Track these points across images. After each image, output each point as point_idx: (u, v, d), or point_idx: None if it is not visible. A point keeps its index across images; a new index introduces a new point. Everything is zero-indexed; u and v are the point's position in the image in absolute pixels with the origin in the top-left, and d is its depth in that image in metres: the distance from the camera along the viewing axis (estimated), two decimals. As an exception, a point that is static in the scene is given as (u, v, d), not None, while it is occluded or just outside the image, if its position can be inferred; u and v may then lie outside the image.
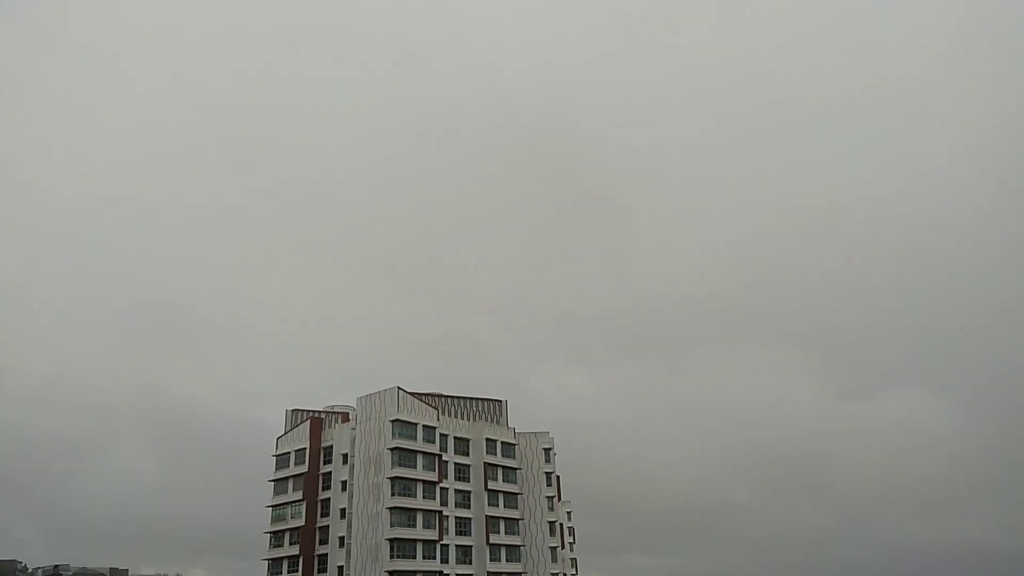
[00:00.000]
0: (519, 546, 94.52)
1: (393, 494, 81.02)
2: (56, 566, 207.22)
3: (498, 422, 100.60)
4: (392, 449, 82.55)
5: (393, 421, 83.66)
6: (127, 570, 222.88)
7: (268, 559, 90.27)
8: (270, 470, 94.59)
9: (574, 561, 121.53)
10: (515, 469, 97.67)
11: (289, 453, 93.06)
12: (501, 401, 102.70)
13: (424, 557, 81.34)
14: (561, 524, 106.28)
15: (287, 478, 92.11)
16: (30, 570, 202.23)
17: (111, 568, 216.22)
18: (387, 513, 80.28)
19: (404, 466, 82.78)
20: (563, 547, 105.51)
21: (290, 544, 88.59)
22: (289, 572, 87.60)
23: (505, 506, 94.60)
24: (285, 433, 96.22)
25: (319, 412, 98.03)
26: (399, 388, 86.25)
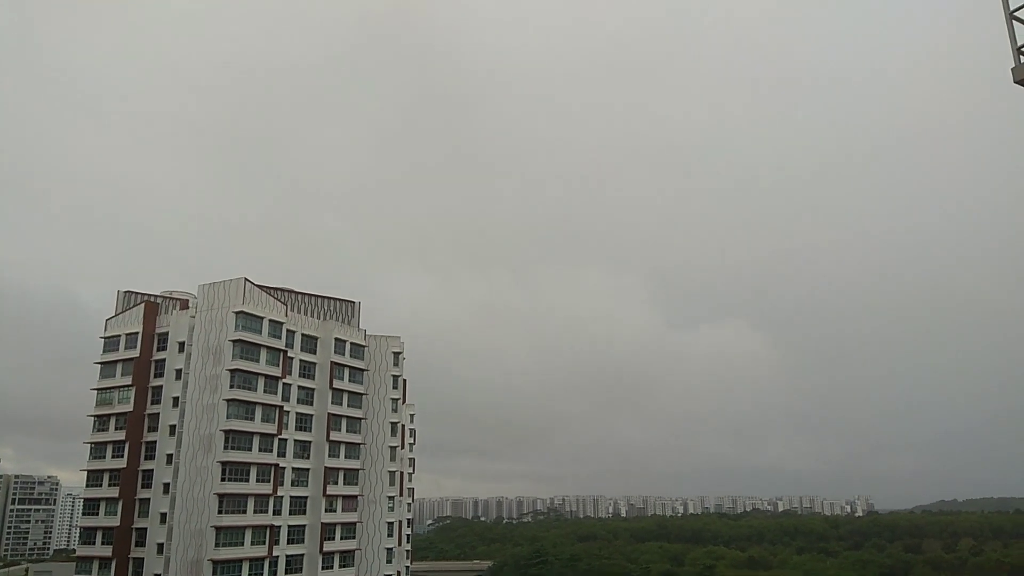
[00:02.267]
0: (359, 444, 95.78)
1: (232, 386, 78.91)
2: None
3: (349, 323, 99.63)
4: (234, 341, 79.88)
5: (237, 312, 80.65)
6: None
7: (91, 442, 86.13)
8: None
9: (412, 461, 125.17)
10: (362, 370, 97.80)
11: (119, 336, 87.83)
12: (354, 303, 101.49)
13: (261, 450, 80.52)
14: (403, 426, 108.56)
15: (116, 362, 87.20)
16: None
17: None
18: (224, 405, 78.30)
19: (246, 359, 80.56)
20: (403, 447, 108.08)
21: (116, 429, 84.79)
22: (113, 456, 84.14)
23: (349, 405, 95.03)
24: (116, 315, 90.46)
25: (155, 296, 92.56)
26: (246, 279, 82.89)
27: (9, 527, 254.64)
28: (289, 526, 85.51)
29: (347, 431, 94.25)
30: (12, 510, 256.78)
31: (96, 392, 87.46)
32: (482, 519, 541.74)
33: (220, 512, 75.80)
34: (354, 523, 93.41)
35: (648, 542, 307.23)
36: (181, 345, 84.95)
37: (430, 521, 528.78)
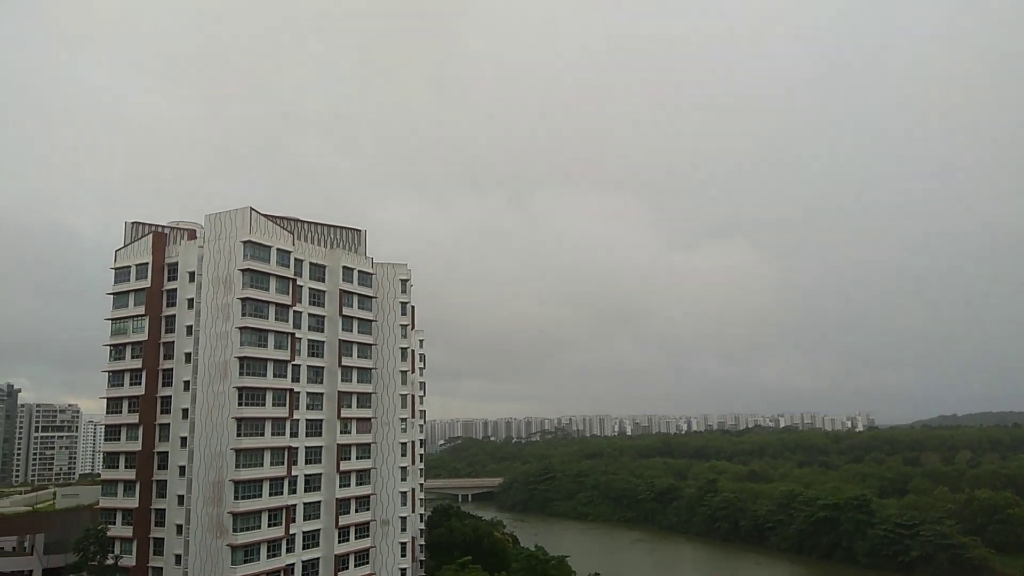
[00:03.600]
0: (370, 368, 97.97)
1: (244, 314, 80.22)
2: None
3: (356, 251, 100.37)
4: (243, 270, 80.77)
5: (245, 242, 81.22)
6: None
7: (108, 371, 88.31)
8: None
9: (423, 384, 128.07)
10: (371, 297, 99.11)
11: (130, 267, 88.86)
12: (360, 231, 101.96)
13: (275, 375, 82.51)
14: (413, 351, 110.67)
15: (128, 292, 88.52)
16: None
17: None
18: (237, 332, 79.80)
19: (256, 287, 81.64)
20: (413, 371, 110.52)
21: (132, 357, 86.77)
22: (131, 384, 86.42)
23: (359, 331, 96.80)
24: (124, 246, 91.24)
25: (162, 227, 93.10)
26: (252, 209, 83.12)
27: (34, 454, 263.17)
28: (306, 447, 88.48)
29: (358, 356, 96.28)
30: (36, 438, 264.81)
31: (110, 322, 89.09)
32: (492, 439, 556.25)
33: (239, 435, 78.34)
34: (368, 444, 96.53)
35: (653, 458, 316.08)
36: (191, 275, 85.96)
37: (442, 441, 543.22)
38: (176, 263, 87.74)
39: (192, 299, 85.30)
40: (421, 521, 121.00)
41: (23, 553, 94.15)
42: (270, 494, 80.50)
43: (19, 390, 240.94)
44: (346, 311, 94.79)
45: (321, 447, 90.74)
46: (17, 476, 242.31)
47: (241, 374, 79.40)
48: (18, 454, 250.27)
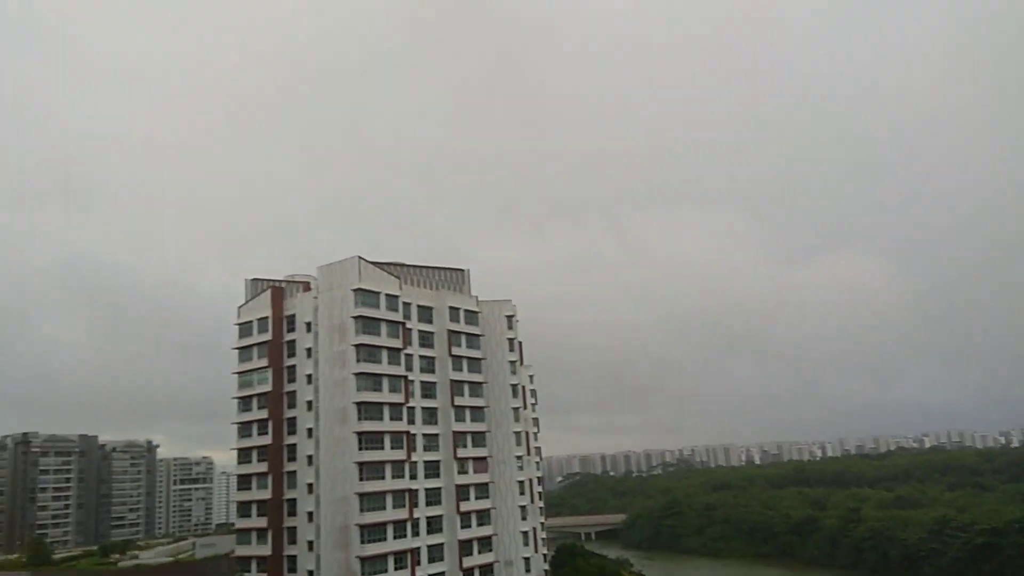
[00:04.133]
0: (483, 407, 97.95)
1: (359, 360, 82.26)
2: (25, 434, 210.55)
3: (460, 290, 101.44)
4: (356, 317, 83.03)
5: (355, 290, 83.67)
6: (96, 436, 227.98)
7: (238, 423, 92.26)
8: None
9: (536, 421, 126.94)
10: (478, 336, 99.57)
11: (252, 322, 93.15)
12: (463, 270, 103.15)
13: (391, 418, 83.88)
14: (523, 387, 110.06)
15: (251, 346, 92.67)
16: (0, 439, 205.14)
17: (80, 435, 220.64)
18: (353, 379, 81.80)
19: (368, 333, 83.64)
20: (525, 408, 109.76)
21: (259, 408, 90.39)
22: (259, 434, 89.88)
23: (469, 371, 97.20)
24: (246, 302, 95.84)
25: (279, 281, 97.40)
26: (359, 258, 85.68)
27: (174, 506, 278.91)
28: (426, 489, 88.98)
29: (470, 396, 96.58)
30: (175, 490, 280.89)
31: (237, 375, 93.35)
32: (611, 473, 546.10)
33: (361, 479, 79.70)
34: (486, 483, 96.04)
35: (786, 488, 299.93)
36: (308, 325, 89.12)
37: (560, 478, 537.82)
38: (294, 315, 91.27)
39: (310, 348, 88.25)
40: (545, 561, 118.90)
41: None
42: (394, 537, 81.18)
43: (157, 446, 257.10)
44: (455, 351, 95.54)
45: (440, 488, 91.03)
46: (159, 528, 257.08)
47: (359, 419, 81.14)
48: (159, 507, 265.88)
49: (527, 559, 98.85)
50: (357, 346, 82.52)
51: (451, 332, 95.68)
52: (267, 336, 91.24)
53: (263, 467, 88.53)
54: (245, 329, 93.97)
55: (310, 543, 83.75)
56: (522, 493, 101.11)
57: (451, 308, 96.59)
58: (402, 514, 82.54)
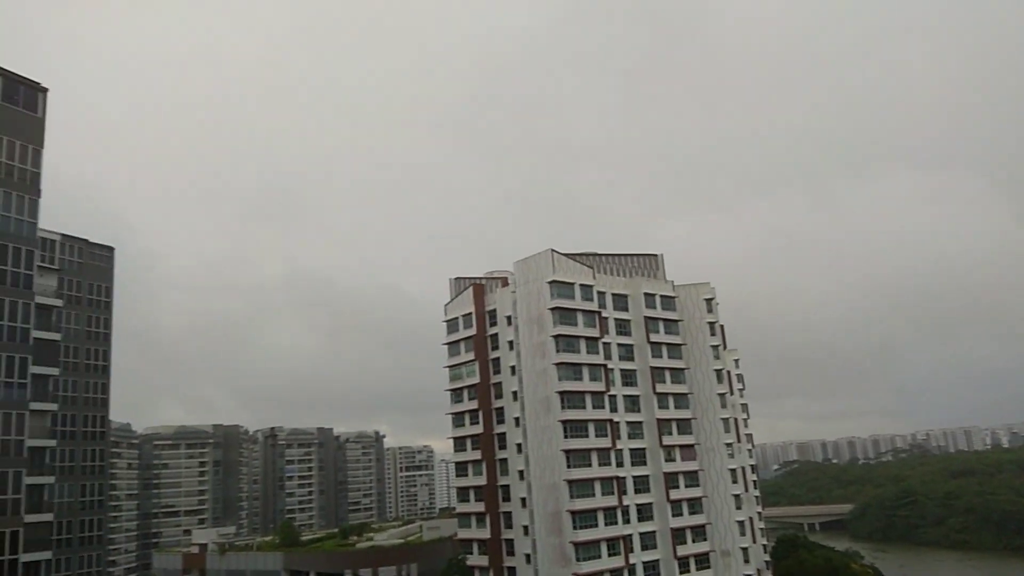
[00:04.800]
0: (686, 394, 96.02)
1: (558, 351, 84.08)
2: (272, 429, 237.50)
3: (654, 276, 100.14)
4: (552, 309, 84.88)
5: (550, 283, 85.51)
6: (331, 429, 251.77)
7: (451, 413, 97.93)
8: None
9: (744, 407, 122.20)
10: (676, 321, 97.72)
11: (457, 318, 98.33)
12: (656, 255, 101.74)
13: (593, 407, 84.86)
14: (728, 372, 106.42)
15: (458, 341, 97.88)
16: (251, 433, 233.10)
17: (318, 428, 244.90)
18: (554, 369, 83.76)
19: (565, 324, 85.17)
20: (732, 393, 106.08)
21: (469, 399, 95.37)
22: (471, 424, 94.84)
23: (669, 357, 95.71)
24: (451, 300, 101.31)
25: (480, 278, 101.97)
26: (552, 251, 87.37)
27: (401, 491, 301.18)
28: (633, 477, 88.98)
29: (672, 383, 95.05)
30: (401, 477, 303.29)
31: (448, 369, 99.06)
32: (833, 461, 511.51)
33: (568, 467, 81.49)
34: (696, 471, 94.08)
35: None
36: (508, 319, 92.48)
37: (776, 466, 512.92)
38: (495, 309, 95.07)
39: (511, 341, 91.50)
40: (765, 552, 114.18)
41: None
42: (605, 524, 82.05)
43: (384, 436, 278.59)
44: (653, 337, 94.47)
45: (648, 476, 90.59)
46: (390, 511, 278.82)
47: (563, 408, 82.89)
48: (389, 492, 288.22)
49: (745, 549, 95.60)
50: (555, 337, 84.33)
51: (648, 319, 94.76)
52: (472, 331, 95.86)
53: (477, 455, 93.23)
54: (452, 325, 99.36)
55: (525, 527, 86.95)
56: (735, 481, 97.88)
57: (646, 294, 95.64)
58: (611, 501, 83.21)
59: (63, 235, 74.65)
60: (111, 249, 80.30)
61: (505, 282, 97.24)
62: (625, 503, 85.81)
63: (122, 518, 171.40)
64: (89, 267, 78.22)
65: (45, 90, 45.15)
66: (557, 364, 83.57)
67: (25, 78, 43.97)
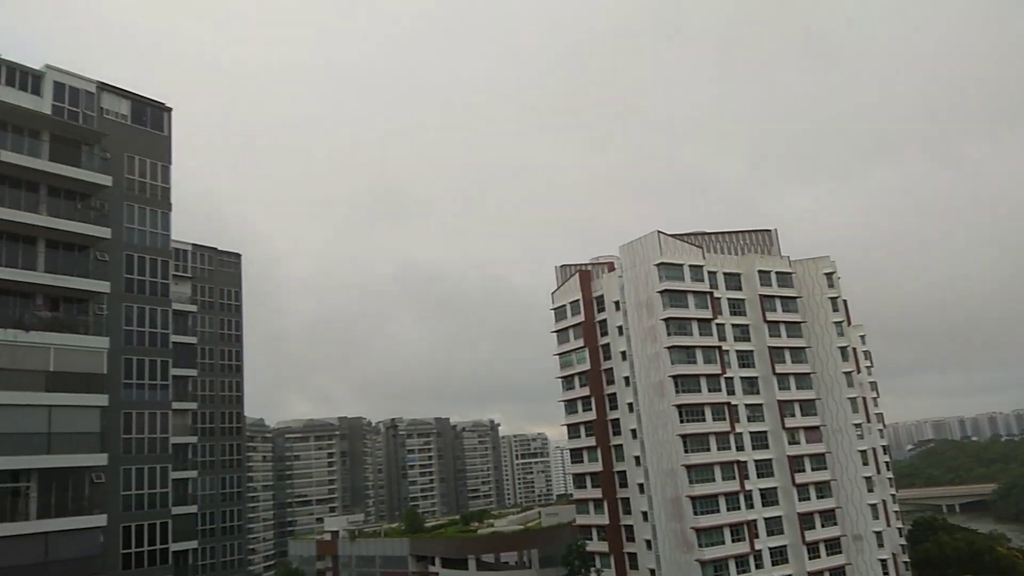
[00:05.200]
0: (809, 373, 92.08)
1: (669, 334, 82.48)
2: (393, 419, 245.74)
3: (768, 252, 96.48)
4: (661, 292, 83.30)
5: (658, 265, 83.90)
6: (448, 418, 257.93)
7: (563, 400, 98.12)
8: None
9: (873, 385, 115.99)
10: (794, 298, 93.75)
11: (565, 305, 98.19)
12: (769, 231, 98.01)
13: (709, 390, 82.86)
14: (854, 349, 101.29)
15: (567, 328, 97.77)
16: (373, 424, 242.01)
17: (435, 418, 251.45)
18: (666, 353, 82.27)
19: (675, 307, 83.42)
20: (859, 372, 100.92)
21: (580, 386, 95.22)
22: (584, 410, 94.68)
23: (788, 335, 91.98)
24: (558, 288, 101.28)
25: (585, 265, 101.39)
26: (658, 232, 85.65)
27: (518, 479, 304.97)
28: (755, 460, 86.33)
29: (792, 362, 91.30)
30: (517, 464, 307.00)
31: (558, 356, 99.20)
32: (973, 439, 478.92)
33: (686, 451, 80.00)
34: (822, 454, 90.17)
35: None
36: (616, 304, 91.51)
37: (910, 446, 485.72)
38: (602, 295, 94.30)
39: (621, 326, 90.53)
40: (900, 536, 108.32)
41: (523, 566, 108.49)
42: (728, 509, 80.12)
43: (499, 424, 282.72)
44: (770, 316, 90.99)
45: (771, 460, 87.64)
46: (509, 498, 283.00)
47: (677, 392, 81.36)
48: (506, 479, 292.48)
49: (878, 533, 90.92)
50: (666, 320, 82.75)
51: (763, 297, 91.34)
52: (580, 318, 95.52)
53: (591, 441, 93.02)
54: (560, 313, 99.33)
55: (644, 513, 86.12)
56: (865, 463, 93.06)
57: (760, 272, 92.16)
58: (733, 486, 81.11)
59: (194, 245, 79.77)
60: (238, 255, 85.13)
61: (611, 267, 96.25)
62: (748, 488, 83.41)
63: (259, 508, 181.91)
64: (219, 273, 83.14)
65: (169, 109, 48.13)
66: (669, 348, 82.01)
67: (151, 99, 47.07)
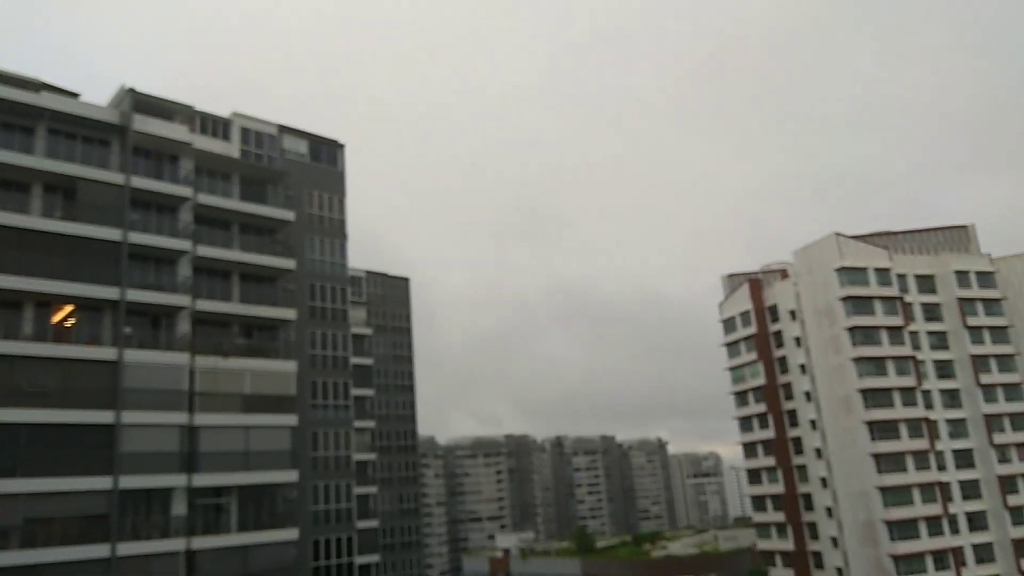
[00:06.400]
0: (1020, 384, 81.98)
1: (854, 344, 76.39)
2: (558, 437, 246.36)
3: (966, 250, 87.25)
4: (843, 299, 77.46)
5: (838, 270, 78.17)
6: (613, 436, 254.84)
7: (737, 417, 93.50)
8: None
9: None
10: (998, 300, 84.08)
11: (735, 316, 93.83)
12: (965, 227, 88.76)
13: (904, 404, 75.72)
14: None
15: (738, 340, 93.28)
16: (539, 442, 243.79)
17: (600, 436, 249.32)
18: (851, 364, 76.22)
19: (860, 314, 77.22)
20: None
21: (755, 402, 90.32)
22: (760, 428, 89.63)
23: (993, 342, 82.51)
24: (726, 298, 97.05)
25: (755, 273, 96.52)
26: (836, 234, 79.90)
27: (690, 499, 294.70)
28: (959, 481, 77.96)
29: (1000, 372, 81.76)
30: (689, 484, 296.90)
31: (730, 371, 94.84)
32: None
33: (879, 472, 73.43)
34: (1043, 474, 79.73)
35: None
36: (792, 313, 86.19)
37: None
38: (775, 305, 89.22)
39: (798, 337, 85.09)
40: None
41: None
42: (929, 535, 72.66)
43: (667, 442, 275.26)
44: (971, 321, 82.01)
45: (978, 480, 78.75)
46: (681, 520, 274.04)
47: (866, 407, 75.06)
48: (677, 500, 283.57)
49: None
50: (849, 329, 76.75)
51: (962, 300, 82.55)
52: (751, 329, 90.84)
53: (770, 461, 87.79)
54: (729, 324, 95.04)
55: (833, 539, 79.89)
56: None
57: (957, 273, 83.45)
58: (934, 509, 73.42)
59: (367, 271, 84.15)
60: (406, 280, 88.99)
61: (785, 274, 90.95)
62: (952, 511, 75.26)
63: (433, 523, 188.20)
64: (390, 297, 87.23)
65: (342, 146, 51.05)
66: (855, 359, 75.91)
67: (326, 138, 50.17)
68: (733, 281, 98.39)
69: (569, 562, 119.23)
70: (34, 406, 33.44)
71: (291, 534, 40.30)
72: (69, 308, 36.98)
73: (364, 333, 74.72)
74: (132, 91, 40.25)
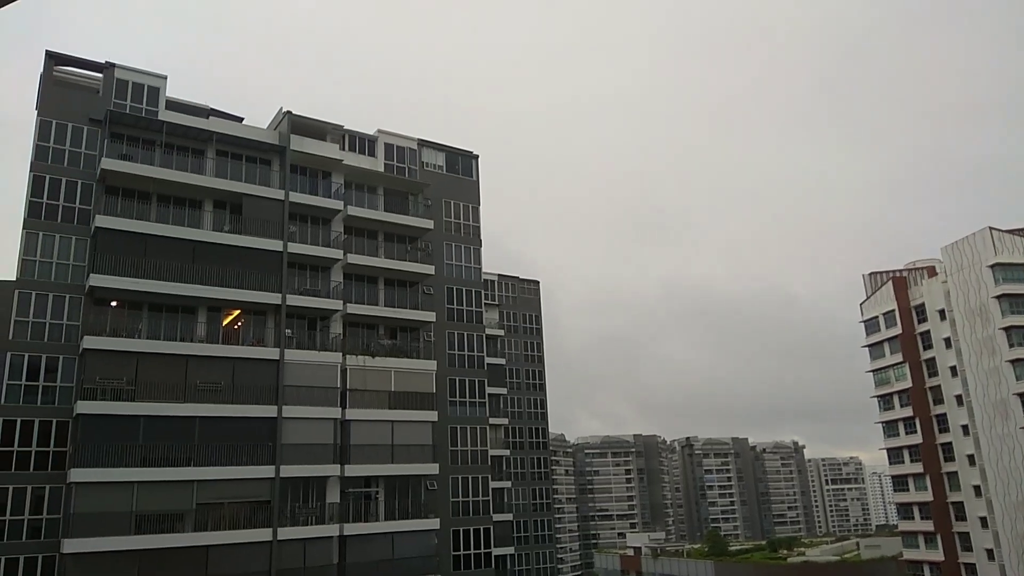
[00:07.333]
0: None
1: (1011, 345, 71.34)
2: (688, 438, 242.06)
3: None
4: (998, 297, 72.48)
5: (992, 266, 73.20)
6: (746, 439, 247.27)
7: (881, 421, 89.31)
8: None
9: None
10: None
11: (877, 317, 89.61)
12: None
13: (1071, 411, 69.96)
14: None
15: (881, 342, 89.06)
16: (668, 442, 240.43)
17: (732, 438, 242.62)
18: (1008, 367, 71.25)
19: (1018, 314, 72.01)
20: None
21: (901, 406, 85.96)
22: (906, 433, 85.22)
23: None
24: (867, 297, 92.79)
25: (898, 271, 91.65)
26: (990, 228, 74.83)
27: (829, 506, 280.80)
28: None
29: None
30: (828, 490, 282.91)
31: (872, 373, 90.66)
32: None
33: (1041, 483, 68.30)
34: None
35: None
36: (941, 313, 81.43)
37: None
38: (922, 304, 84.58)
39: (948, 338, 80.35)
40: None
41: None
42: (1103, 554, 66.77)
43: (803, 446, 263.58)
44: None
45: None
46: (819, 526, 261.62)
47: (1026, 412, 69.94)
48: (816, 505, 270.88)
49: None
50: (1006, 329, 71.73)
51: None
52: (896, 330, 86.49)
53: (917, 467, 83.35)
54: (871, 325, 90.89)
55: (988, 551, 74.94)
56: None
57: None
58: (1110, 526, 67.41)
59: (499, 275, 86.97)
60: (536, 282, 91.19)
61: (932, 272, 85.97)
62: None
63: (564, 519, 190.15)
64: (521, 300, 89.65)
65: (476, 157, 53.60)
66: (1013, 361, 70.89)
67: (462, 149, 52.90)
68: (875, 280, 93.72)
69: (702, 564, 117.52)
70: (206, 401, 37.66)
71: (433, 523, 43.09)
72: (237, 312, 41.35)
73: (497, 334, 77.42)
74: (289, 113, 44.30)
